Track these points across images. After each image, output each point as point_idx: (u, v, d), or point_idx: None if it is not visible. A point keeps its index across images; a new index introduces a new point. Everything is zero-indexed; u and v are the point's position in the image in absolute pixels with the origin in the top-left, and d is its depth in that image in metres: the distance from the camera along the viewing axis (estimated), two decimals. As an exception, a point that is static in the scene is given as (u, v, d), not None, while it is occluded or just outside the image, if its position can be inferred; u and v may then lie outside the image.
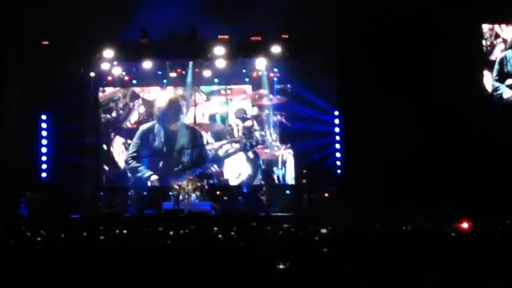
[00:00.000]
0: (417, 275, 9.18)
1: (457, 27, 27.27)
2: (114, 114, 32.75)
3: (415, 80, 27.71)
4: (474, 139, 27.21)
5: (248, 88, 32.65)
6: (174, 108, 32.73)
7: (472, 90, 28.52)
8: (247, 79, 32.48)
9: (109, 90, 32.76)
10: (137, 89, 32.76)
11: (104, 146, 32.55)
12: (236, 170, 32.37)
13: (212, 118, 32.70)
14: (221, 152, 32.48)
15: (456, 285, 8.96)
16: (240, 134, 32.49)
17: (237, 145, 32.43)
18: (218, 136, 32.60)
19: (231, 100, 32.70)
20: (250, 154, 32.45)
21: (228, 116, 32.65)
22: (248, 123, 32.54)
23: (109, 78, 32.25)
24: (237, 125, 32.58)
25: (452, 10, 26.96)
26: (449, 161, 26.97)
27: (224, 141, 32.43)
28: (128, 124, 32.73)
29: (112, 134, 32.68)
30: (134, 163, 32.49)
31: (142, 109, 32.81)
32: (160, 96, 32.73)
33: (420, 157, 27.41)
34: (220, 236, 15.88)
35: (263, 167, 32.29)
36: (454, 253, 11.01)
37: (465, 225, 17.75)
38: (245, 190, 31.95)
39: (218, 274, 8.84)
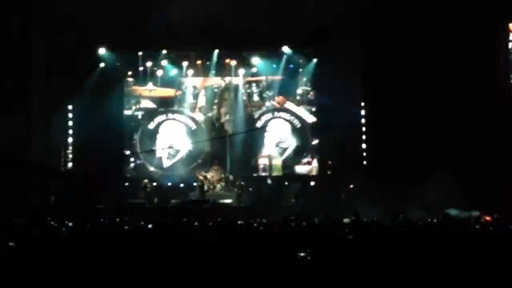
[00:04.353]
0: (441, 266, 9.16)
1: (483, 24, 27.07)
2: (138, 106, 32.92)
3: (439, 75, 27.56)
4: (499, 135, 27.03)
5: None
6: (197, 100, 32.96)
7: (498, 87, 28.34)
8: (273, 70, 32.45)
9: (135, 87, 32.89)
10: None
11: (130, 137, 32.67)
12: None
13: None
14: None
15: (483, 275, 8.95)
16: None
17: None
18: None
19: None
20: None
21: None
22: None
23: (135, 67, 32.37)
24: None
25: (478, 7, 26.76)
26: (474, 156, 26.81)
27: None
28: (153, 115, 32.94)
29: (138, 125, 32.81)
30: (159, 154, 32.66)
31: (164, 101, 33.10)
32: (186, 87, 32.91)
33: (445, 150, 27.28)
34: (243, 225, 15.93)
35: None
36: (479, 244, 10.97)
37: (488, 218, 17.75)
38: (269, 182, 31.99)
39: (241, 262, 8.89)
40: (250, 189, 31.13)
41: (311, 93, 32.68)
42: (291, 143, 32.67)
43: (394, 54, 27.73)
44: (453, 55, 27.07)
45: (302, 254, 9.01)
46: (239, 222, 17.39)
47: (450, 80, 27.29)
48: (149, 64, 32.33)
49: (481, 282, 8.70)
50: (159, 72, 32.52)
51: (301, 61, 32.18)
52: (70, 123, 31.45)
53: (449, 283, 8.74)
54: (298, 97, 32.76)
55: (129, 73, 32.53)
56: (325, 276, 8.35)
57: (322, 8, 27.81)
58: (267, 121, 32.79)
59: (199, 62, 32.33)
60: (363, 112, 30.89)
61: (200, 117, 32.81)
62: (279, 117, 32.84)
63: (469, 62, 26.80)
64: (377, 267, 8.75)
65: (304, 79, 32.59)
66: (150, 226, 16.95)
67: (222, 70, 32.49)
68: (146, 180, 31.14)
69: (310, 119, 32.52)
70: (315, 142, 32.34)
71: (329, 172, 30.95)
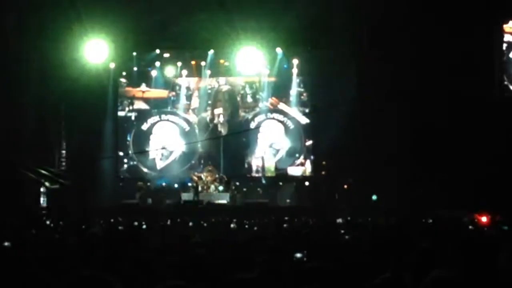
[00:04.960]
0: (433, 267, 9.16)
1: (478, 26, 27.08)
2: (132, 107, 32.92)
3: (434, 76, 27.58)
4: (494, 135, 27.04)
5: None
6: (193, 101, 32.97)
7: (494, 87, 28.38)
8: (267, 70, 32.44)
9: (128, 88, 32.89)
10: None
11: (123, 138, 32.66)
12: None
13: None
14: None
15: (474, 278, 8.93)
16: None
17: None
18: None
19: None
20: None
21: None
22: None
23: (128, 68, 32.33)
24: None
25: (472, 8, 26.78)
26: (469, 155, 26.84)
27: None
28: (147, 117, 32.94)
29: (131, 126, 32.81)
30: (152, 155, 32.66)
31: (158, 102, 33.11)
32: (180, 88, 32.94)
33: (440, 149, 27.31)
34: (237, 226, 15.96)
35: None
36: (472, 245, 10.96)
37: (483, 218, 17.73)
38: (264, 182, 32.01)
39: (235, 263, 8.87)
40: (244, 189, 31.16)
41: (305, 94, 32.65)
42: (284, 144, 32.67)
43: (389, 55, 27.74)
44: (448, 56, 27.09)
45: (298, 255, 9.00)
46: (233, 224, 17.43)
47: (445, 81, 27.31)
48: (143, 64, 32.29)
49: (479, 283, 8.71)
50: (153, 73, 32.49)
51: (294, 62, 32.13)
52: (64, 124, 31.37)
53: (446, 283, 8.74)
54: (291, 98, 32.73)
55: (123, 73, 32.48)
56: (322, 278, 8.35)
57: (316, 9, 27.83)
58: (260, 122, 32.79)
59: (193, 62, 32.31)
60: (357, 113, 30.88)
61: (193, 118, 32.81)
62: (273, 118, 32.84)
63: (464, 63, 26.82)
64: (374, 268, 8.74)
65: (298, 80, 32.56)
66: (144, 226, 17.00)
67: (216, 71, 32.47)
68: (141, 183, 31.12)
69: (303, 120, 32.53)
70: (309, 143, 32.34)
71: (323, 173, 30.95)
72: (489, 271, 8.66)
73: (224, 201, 29.68)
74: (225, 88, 32.80)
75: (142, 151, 32.45)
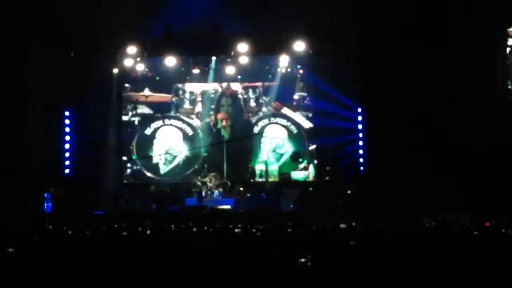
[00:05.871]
0: (437, 272, 9.17)
1: (481, 29, 27.05)
2: (135, 111, 32.87)
3: (438, 79, 27.56)
4: (498, 140, 27.00)
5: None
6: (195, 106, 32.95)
7: (497, 92, 28.34)
8: (270, 76, 32.45)
9: (131, 92, 32.84)
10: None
11: (127, 143, 32.63)
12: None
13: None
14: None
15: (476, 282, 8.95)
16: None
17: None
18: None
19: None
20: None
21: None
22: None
23: (133, 74, 32.30)
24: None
25: (476, 12, 26.77)
26: (471, 160, 26.81)
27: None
28: (151, 121, 32.90)
29: (135, 131, 32.77)
30: (155, 160, 32.64)
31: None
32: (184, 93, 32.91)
33: (443, 155, 27.28)
34: (242, 232, 15.93)
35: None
36: (478, 251, 10.97)
37: (487, 223, 17.73)
38: (267, 187, 31.97)
39: (240, 269, 8.88)
40: (248, 195, 31.15)
41: (308, 98, 32.61)
42: (288, 148, 32.65)
43: (392, 60, 27.75)
44: (451, 60, 27.07)
45: (302, 260, 9.02)
46: (237, 230, 17.39)
47: (448, 85, 27.30)
48: (146, 69, 32.27)
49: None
50: (156, 78, 32.50)
51: (298, 66, 32.13)
52: (68, 129, 31.36)
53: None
54: (294, 103, 32.70)
55: (127, 78, 32.47)
56: (326, 282, 8.35)
57: (318, 13, 27.84)
58: (263, 127, 32.77)
59: (196, 68, 32.28)
60: (360, 118, 30.88)
61: (197, 122, 32.79)
62: (276, 122, 32.81)
63: (467, 67, 26.81)
64: (378, 273, 8.75)
65: (301, 84, 32.54)
66: (148, 232, 16.96)
67: (220, 75, 32.45)
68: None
69: (307, 124, 32.50)
70: (312, 147, 32.31)
71: (327, 178, 30.94)
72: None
73: (228, 207, 29.64)
74: (228, 92, 32.77)
75: (146, 156, 32.43)
